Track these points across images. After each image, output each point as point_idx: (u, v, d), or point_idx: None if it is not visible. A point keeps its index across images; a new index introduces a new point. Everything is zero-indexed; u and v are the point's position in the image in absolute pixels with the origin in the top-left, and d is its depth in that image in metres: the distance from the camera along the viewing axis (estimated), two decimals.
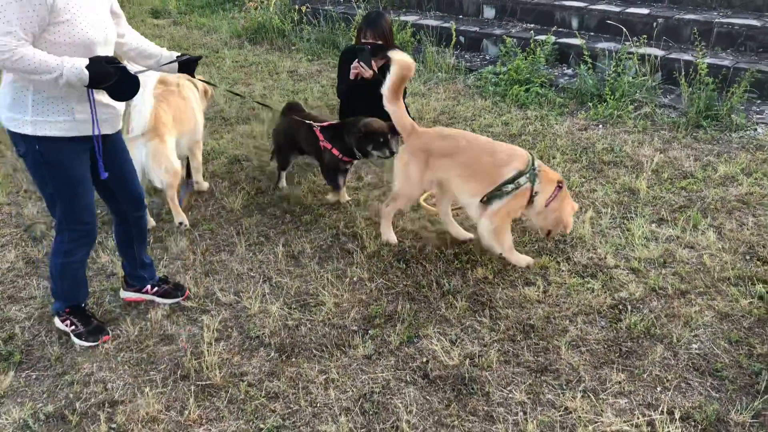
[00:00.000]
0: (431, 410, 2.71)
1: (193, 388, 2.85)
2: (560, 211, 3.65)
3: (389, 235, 3.96)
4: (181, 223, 4.15)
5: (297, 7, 9.01)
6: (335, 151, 4.21)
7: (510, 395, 2.78)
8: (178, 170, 4.12)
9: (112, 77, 2.64)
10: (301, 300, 3.45)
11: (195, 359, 3.01)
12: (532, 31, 7.28)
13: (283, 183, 4.72)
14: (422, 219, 4.23)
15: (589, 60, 6.29)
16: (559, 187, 3.64)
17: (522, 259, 3.71)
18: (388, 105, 3.77)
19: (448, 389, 2.82)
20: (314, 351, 3.07)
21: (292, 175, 4.86)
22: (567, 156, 5.06)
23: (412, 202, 4.10)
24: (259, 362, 3.01)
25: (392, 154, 4.05)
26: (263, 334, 3.18)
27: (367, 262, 3.76)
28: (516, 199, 3.59)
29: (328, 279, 3.59)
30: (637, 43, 6.43)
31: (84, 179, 2.91)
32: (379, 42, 4.69)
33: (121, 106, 2.97)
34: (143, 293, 3.43)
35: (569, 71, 6.95)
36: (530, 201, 3.62)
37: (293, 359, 3.02)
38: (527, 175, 3.56)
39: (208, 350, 3.05)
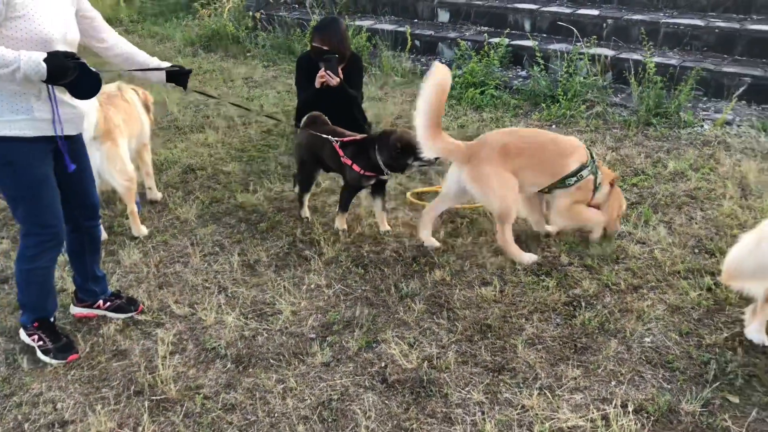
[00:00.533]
0: (390, 415, 2.71)
1: (147, 403, 2.79)
2: (610, 209, 3.83)
3: (523, 254, 3.74)
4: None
5: (251, 13, 8.94)
6: (356, 167, 3.96)
7: (468, 396, 2.79)
8: (133, 174, 4.05)
9: (72, 73, 2.59)
10: (257, 309, 3.41)
11: (149, 374, 2.94)
12: (485, 34, 7.36)
13: (306, 212, 4.31)
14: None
15: (542, 61, 6.39)
16: (611, 185, 3.81)
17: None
18: (431, 145, 3.53)
19: (406, 393, 2.82)
20: (271, 360, 3.03)
21: (247, 182, 4.81)
22: None
23: (517, 212, 3.82)
24: (215, 374, 2.96)
25: (436, 158, 3.83)
26: (219, 345, 3.13)
27: (325, 268, 3.74)
28: (581, 190, 3.74)
29: (285, 287, 3.56)
30: (588, 44, 6.56)
31: (46, 180, 2.83)
32: (326, 48, 4.69)
33: (84, 105, 2.90)
34: (95, 308, 3.35)
35: (523, 73, 7.05)
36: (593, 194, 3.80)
37: (250, 370, 2.98)
38: (589, 168, 3.70)
39: (162, 364, 2.98)
